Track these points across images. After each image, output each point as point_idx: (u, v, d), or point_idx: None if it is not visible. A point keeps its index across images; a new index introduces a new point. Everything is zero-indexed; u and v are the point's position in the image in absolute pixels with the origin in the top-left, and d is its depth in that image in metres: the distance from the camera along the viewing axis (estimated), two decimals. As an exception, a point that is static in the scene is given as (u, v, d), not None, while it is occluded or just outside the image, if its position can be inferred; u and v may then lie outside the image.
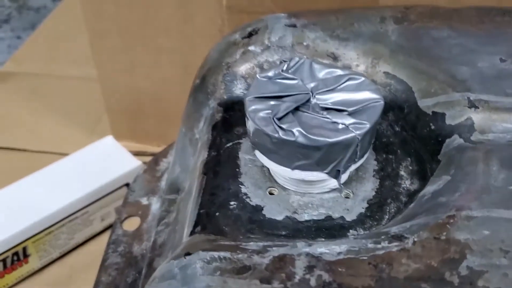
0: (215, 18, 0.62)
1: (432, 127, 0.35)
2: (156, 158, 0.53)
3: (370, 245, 0.27)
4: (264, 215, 0.32)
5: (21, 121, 0.80)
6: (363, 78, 0.32)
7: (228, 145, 0.36)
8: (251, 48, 0.40)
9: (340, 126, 0.30)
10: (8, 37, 0.96)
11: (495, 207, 0.28)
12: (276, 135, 0.29)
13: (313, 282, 0.24)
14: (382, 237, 0.27)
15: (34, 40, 0.94)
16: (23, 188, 0.62)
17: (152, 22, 0.64)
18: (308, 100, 0.32)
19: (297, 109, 0.31)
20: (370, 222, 0.31)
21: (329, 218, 0.32)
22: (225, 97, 0.39)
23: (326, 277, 0.25)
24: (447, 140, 0.33)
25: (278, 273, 0.25)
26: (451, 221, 0.27)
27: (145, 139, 0.75)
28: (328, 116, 0.30)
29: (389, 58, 0.38)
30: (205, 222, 0.31)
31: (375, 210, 0.32)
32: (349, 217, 0.32)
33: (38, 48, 0.91)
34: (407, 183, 0.34)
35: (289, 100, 0.31)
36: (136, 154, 0.68)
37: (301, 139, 0.29)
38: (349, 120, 0.30)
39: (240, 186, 0.33)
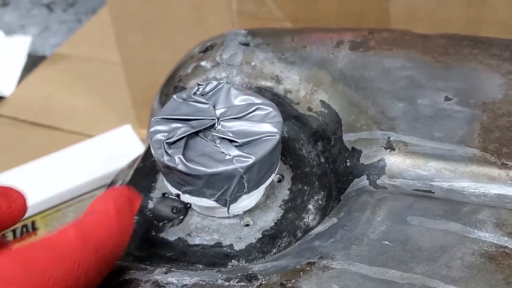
0: (226, 22, 0.63)
1: (348, 163, 0.34)
2: (143, 155, 0.56)
3: (219, 281, 0.27)
4: (159, 234, 0.33)
5: (63, 101, 0.86)
6: (270, 109, 0.32)
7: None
8: (203, 63, 0.41)
9: (227, 157, 0.30)
10: (70, 20, 1.03)
11: (358, 261, 0.27)
12: (162, 159, 0.30)
13: (139, 310, 0.25)
14: (239, 274, 0.27)
15: (91, 24, 1.00)
16: (40, 166, 0.67)
17: (169, 22, 0.66)
18: (213, 126, 0.32)
19: (198, 134, 0.32)
20: (256, 254, 0.31)
21: (218, 244, 0.32)
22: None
23: (155, 307, 0.25)
24: (355, 180, 0.32)
25: (115, 296, 0.26)
26: (307, 268, 0.27)
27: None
28: (218, 145, 0.30)
29: (328, 86, 0.37)
30: (103, 232, 0.33)
31: (266, 242, 0.32)
32: (237, 246, 0.32)
33: (92, 33, 0.98)
34: (310, 218, 0.33)
35: (195, 124, 0.32)
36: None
37: (180, 167, 0.29)
38: (235, 152, 0.30)
39: (149, 201, 0.35)
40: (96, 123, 0.82)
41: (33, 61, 0.92)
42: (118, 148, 0.70)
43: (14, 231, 0.63)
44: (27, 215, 0.63)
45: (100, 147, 0.70)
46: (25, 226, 0.64)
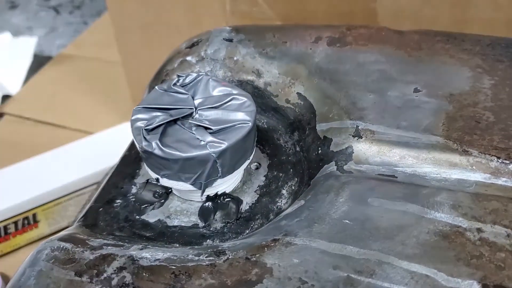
0: (220, 22, 0.65)
1: (320, 151, 0.35)
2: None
3: (190, 256, 0.29)
4: (140, 216, 0.35)
5: (67, 100, 0.88)
6: (245, 99, 0.34)
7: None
8: (188, 58, 0.43)
9: (201, 143, 0.32)
10: (77, 22, 1.06)
11: (319, 238, 0.29)
12: (140, 145, 0.32)
13: (114, 281, 0.27)
14: (209, 250, 0.29)
15: (96, 26, 1.02)
16: (43, 161, 0.70)
17: (166, 23, 0.68)
18: (191, 114, 0.34)
19: (176, 122, 0.34)
20: (230, 235, 0.33)
21: (195, 226, 0.34)
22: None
23: (128, 279, 0.27)
24: (325, 166, 0.34)
25: (92, 269, 0.28)
26: (272, 244, 0.29)
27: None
28: (194, 132, 0.33)
29: (305, 79, 0.39)
30: (88, 215, 0.35)
31: (240, 223, 0.34)
32: (213, 227, 0.34)
33: (97, 34, 1.00)
34: (283, 202, 0.35)
35: (173, 113, 0.34)
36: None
37: (157, 151, 0.31)
38: (208, 138, 0.32)
39: (133, 186, 0.37)
40: (99, 121, 0.84)
41: (39, 61, 0.95)
42: (117, 144, 0.72)
43: (15, 223, 0.66)
44: (29, 207, 0.66)
45: (100, 144, 0.72)
46: (26, 218, 0.66)
